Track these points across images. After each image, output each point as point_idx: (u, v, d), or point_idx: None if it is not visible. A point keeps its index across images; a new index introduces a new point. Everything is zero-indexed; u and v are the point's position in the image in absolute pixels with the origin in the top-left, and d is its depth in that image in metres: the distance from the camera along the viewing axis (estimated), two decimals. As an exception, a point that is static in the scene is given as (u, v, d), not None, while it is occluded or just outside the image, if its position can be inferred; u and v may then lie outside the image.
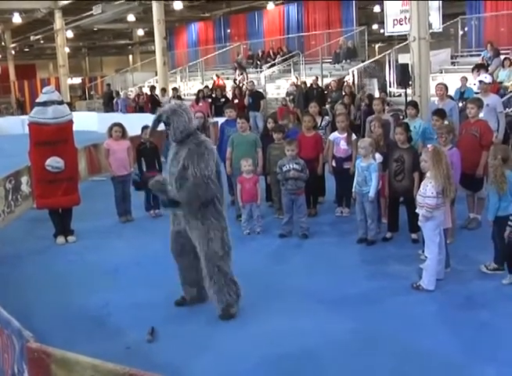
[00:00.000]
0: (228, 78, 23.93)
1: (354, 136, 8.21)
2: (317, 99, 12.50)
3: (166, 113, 5.05)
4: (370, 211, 6.94)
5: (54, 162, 7.30)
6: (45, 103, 7.30)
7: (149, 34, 28.56)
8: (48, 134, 7.25)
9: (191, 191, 4.89)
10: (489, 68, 13.96)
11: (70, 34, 28.83)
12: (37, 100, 7.48)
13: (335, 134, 8.28)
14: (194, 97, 18.74)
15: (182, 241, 5.25)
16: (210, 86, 20.93)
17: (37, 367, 3.37)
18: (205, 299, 5.34)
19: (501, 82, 13.50)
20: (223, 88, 20.29)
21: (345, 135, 8.14)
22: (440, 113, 7.66)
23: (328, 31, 23.12)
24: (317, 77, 18.03)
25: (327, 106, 14.79)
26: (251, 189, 7.64)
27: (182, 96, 21.30)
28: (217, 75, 22.97)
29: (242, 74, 22.61)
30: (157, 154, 8.93)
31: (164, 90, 20.50)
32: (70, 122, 7.56)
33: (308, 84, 17.58)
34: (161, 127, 5.29)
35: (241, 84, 20.00)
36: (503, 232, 5.54)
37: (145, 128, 8.77)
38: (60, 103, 7.49)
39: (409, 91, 13.20)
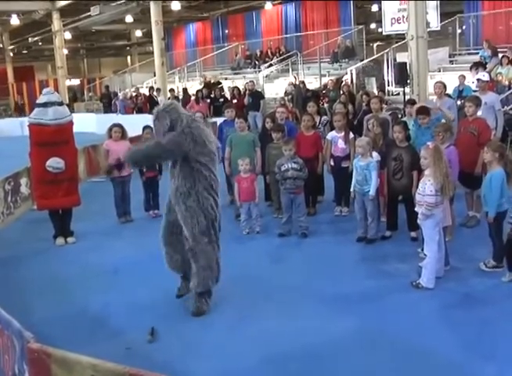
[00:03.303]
0: (226, 78, 23.95)
1: (351, 135, 8.23)
2: (314, 99, 12.49)
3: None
4: (371, 209, 6.94)
5: (55, 163, 7.30)
6: (45, 104, 7.30)
7: (147, 34, 28.48)
8: (49, 135, 7.25)
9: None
10: (487, 66, 13.98)
11: (68, 35, 28.83)
12: (38, 101, 7.49)
13: (333, 133, 8.27)
14: (193, 97, 18.73)
15: None
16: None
17: (38, 368, 3.39)
18: None
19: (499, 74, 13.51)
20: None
21: (343, 134, 8.14)
22: (422, 111, 7.63)
23: (326, 31, 23.19)
24: (304, 83, 18.03)
25: (325, 105, 14.80)
26: (249, 188, 7.64)
27: (180, 97, 21.30)
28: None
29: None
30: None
31: (158, 90, 20.68)
32: (71, 123, 7.56)
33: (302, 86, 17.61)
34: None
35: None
36: (500, 228, 5.56)
37: (146, 128, 8.78)
38: (60, 104, 7.50)
39: (407, 89, 13.22)
